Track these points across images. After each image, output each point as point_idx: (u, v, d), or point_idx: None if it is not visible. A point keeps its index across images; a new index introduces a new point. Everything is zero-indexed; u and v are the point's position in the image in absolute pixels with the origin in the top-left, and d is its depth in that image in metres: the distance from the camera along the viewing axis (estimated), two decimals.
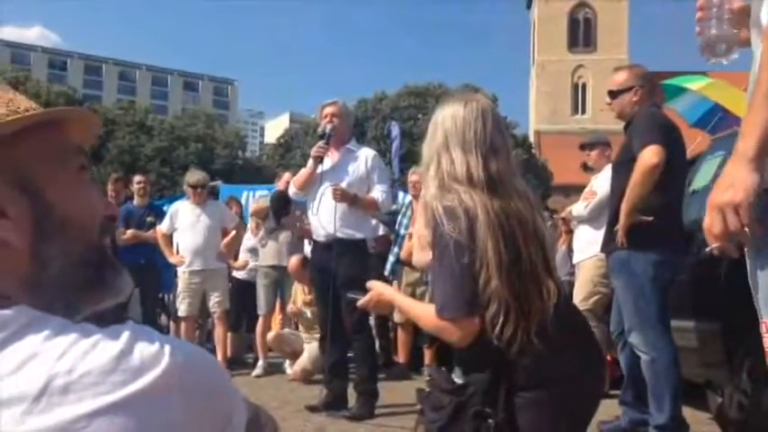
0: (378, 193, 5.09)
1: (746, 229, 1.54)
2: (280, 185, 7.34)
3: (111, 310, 0.84)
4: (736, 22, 1.86)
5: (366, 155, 5.20)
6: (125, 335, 0.70)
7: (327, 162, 5.07)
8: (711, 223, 1.57)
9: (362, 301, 2.34)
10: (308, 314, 6.91)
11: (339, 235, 4.98)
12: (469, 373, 1.96)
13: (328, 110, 5.16)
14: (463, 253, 1.88)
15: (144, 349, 0.69)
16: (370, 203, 5.09)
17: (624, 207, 3.83)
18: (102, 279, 0.83)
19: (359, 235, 5.11)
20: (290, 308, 7.11)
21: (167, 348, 0.70)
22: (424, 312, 2.06)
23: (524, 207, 1.98)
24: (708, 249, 1.67)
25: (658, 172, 3.73)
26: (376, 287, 2.33)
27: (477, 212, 1.90)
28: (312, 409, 5.04)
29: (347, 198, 4.93)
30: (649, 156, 3.73)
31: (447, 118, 2.06)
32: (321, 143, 5.05)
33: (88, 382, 0.66)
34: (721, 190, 1.56)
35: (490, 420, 1.85)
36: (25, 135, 0.78)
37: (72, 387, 0.65)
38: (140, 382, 0.67)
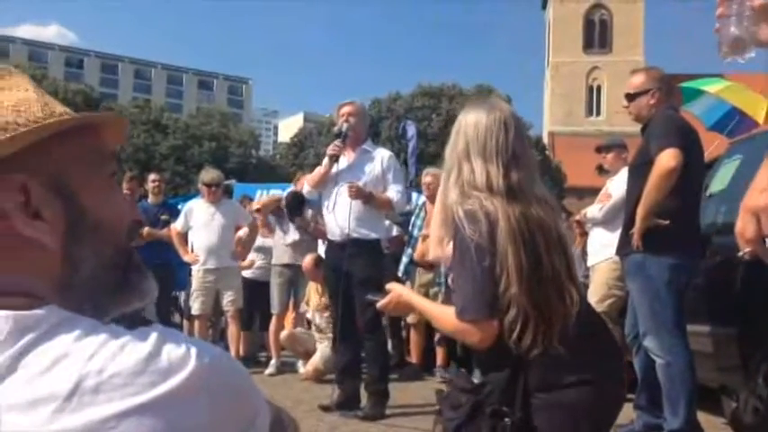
0: (393, 193, 5.09)
1: None
2: (297, 187, 7.36)
3: (132, 312, 0.85)
4: (757, 19, 1.84)
5: (382, 155, 5.22)
6: (153, 337, 0.71)
7: (343, 161, 5.08)
8: (744, 227, 1.55)
9: (382, 303, 2.35)
10: (318, 320, 6.91)
11: (354, 235, 4.99)
12: (488, 374, 1.98)
13: (345, 109, 5.18)
14: (484, 256, 1.89)
15: (171, 351, 0.71)
16: (384, 203, 5.10)
17: (640, 210, 3.81)
18: (129, 282, 0.85)
19: (373, 235, 5.12)
20: (302, 308, 7.11)
21: (194, 351, 0.72)
22: (444, 314, 2.07)
23: (546, 214, 1.99)
24: (739, 254, 1.66)
25: (675, 176, 3.71)
26: (395, 289, 2.34)
27: (498, 218, 1.91)
28: (325, 408, 5.05)
29: (362, 195, 4.94)
30: (666, 159, 3.72)
31: (470, 126, 2.07)
32: (337, 142, 5.06)
33: (118, 383, 0.67)
34: (756, 194, 1.54)
35: (507, 419, 1.86)
36: (61, 139, 0.79)
37: (102, 387, 0.67)
38: (168, 384, 0.69)
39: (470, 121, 2.08)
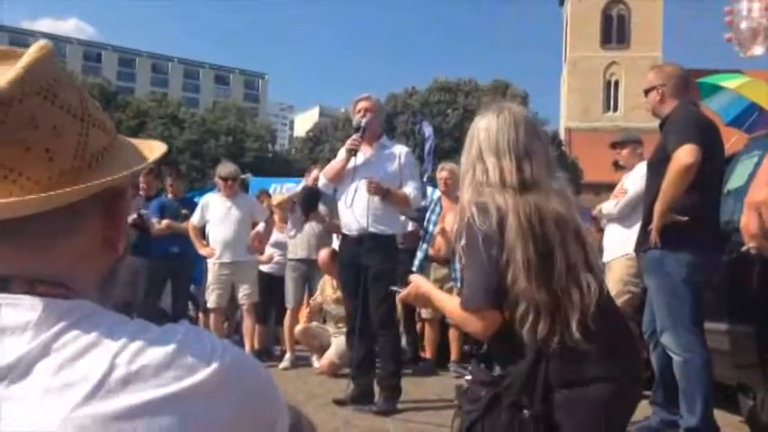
0: (409, 189, 5.12)
1: None
2: (309, 181, 7.36)
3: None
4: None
5: (399, 151, 5.24)
6: (180, 334, 0.76)
7: (361, 156, 5.08)
8: (748, 222, 1.55)
9: (402, 294, 2.42)
10: (332, 310, 6.93)
11: (371, 230, 5.00)
12: (507, 368, 1.99)
13: (362, 104, 5.19)
14: (492, 246, 1.94)
15: (197, 349, 0.75)
16: (401, 199, 5.11)
17: (658, 207, 3.79)
18: (115, 281, 0.92)
19: (390, 231, 5.15)
20: (314, 299, 7.12)
21: (218, 349, 0.77)
22: (453, 305, 2.13)
23: (563, 207, 2.01)
24: (744, 249, 1.66)
25: (693, 172, 3.68)
26: (415, 281, 2.40)
27: (508, 212, 1.95)
28: (339, 402, 5.06)
29: (381, 191, 4.96)
30: (684, 155, 3.69)
31: (481, 131, 2.14)
32: (356, 136, 5.08)
33: (146, 375, 0.71)
34: (758, 189, 1.54)
35: (525, 412, 1.86)
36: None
37: (131, 378, 0.70)
38: (193, 379, 0.73)
39: (482, 126, 2.15)
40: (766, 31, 1.88)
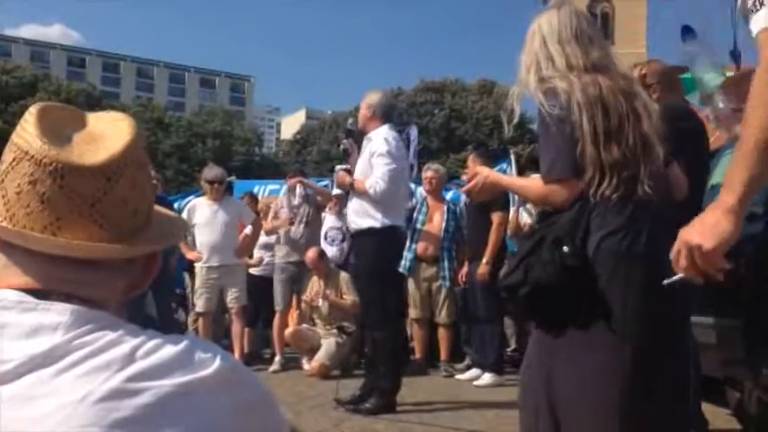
0: (372, 179, 4.94)
1: (715, 272, 1.60)
2: (290, 184, 7.41)
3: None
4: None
5: (372, 141, 5.10)
6: (185, 341, 0.87)
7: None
8: (678, 256, 1.62)
9: (466, 187, 2.50)
10: (323, 309, 6.94)
11: (351, 225, 5.14)
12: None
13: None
14: (564, 126, 2.03)
15: (201, 353, 0.87)
16: (361, 190, 4.99)
17: None
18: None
19: (365, 224, 4.99)
20: (303, 300, 7.09)
21: (220, 355, 0.88)
22: (530, 182, 2.25)
23: (627, 84, 2.13)
24: (666, 282, 1.72)
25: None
26: (481, 171, 2.45)
27: (574, 90, 2.04)
28: (339, 402, 5.05)
29: (343, 184, 5.16)
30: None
31: (544, 24, 2.24)
32: (343, 138, 5.35)
33: (160, 366, 0.82)
34: (696, 230, 1.59)
35: (565, 248, 1.96)
36: None
37: (147, 367, 0.82)
38: (197, 375, 0.84)
39: (544, 20, 2.25)
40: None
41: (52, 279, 0.88)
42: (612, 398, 1.93)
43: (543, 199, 2.14)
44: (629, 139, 2.02)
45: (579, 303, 1.96)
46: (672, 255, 1.63)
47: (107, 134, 0.92)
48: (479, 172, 2.43)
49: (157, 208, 1.04)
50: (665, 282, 1.75)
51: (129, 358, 0.81)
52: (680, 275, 1.65)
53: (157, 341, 0.85)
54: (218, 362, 0.86)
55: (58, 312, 0.84)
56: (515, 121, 2.32)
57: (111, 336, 0.83)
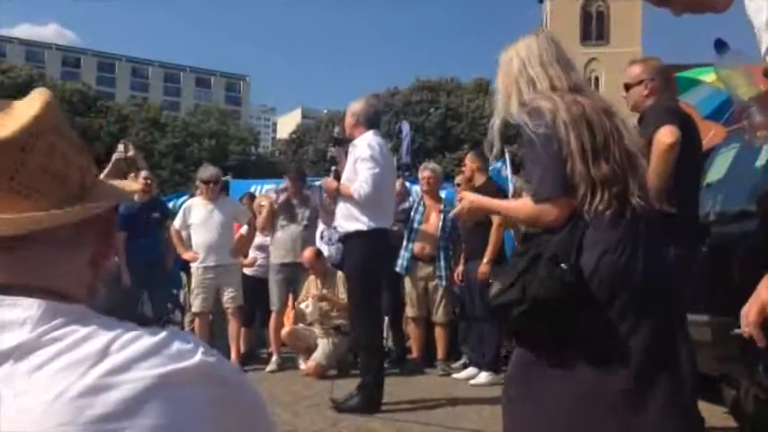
0: (357, 183, 5.01)
1: None
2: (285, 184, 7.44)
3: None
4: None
5: (356, 149, 5.15)
6: (163, 333, 0.86)
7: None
8: (749, 311, 1.67)
9: (455, 211, 2.52)
10: (311, 309, 6.92)
11: (340, 229, 5.25)
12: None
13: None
14: (550, 144, 2.04)
15: (180, 345, 0.85)
16: (347, 194, 5.05)
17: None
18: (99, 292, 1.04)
19: (351, 227, 5.05)
20: (299, 302, 7.09)
21: (201, 349, 0.86)
22: (520, 204, 2.27)
23: (607, 105, 2.18)
24: (734, 332, 1.77)
25: (676, 151, 3.56)
26: (467, 196, 2.49)
27: (559, 109, 2.06)
28: (335, 401, 5.03)
29: (329, 189, 5.24)
30: (664, 136, 3.57)
31: (521, 48, 2.27)
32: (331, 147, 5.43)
33: (137, 358, 0.81)
34: None
35: (563, 265, 1.97)
36: None
37: (123, 361, 0.80)
38: (176, 366, 0.82)
39: (521, 45, 2.28)
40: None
41: (3, 269, 0.87)
42: (605, 414, 2.00)
43: (534, 219, 2.14)
44: (616, 154, 2.06)
45: (576, 321, 1.98)
46: (743, 311, 1.68)
47: (19, 109, 0.91)
48: (464, 197, 2.47)
49: (118, 182, 1.04)
50: (734, 332, 1.80)
51: (103, 353, 0.80)
52: (745, 329, 1.70)
53: (135, 333, 0.83)
54: (199, 355, 0.85)
55: (25, 307, 0.83)
56: (495, 152, 2.38)
57: (83, 331, 0.82)
